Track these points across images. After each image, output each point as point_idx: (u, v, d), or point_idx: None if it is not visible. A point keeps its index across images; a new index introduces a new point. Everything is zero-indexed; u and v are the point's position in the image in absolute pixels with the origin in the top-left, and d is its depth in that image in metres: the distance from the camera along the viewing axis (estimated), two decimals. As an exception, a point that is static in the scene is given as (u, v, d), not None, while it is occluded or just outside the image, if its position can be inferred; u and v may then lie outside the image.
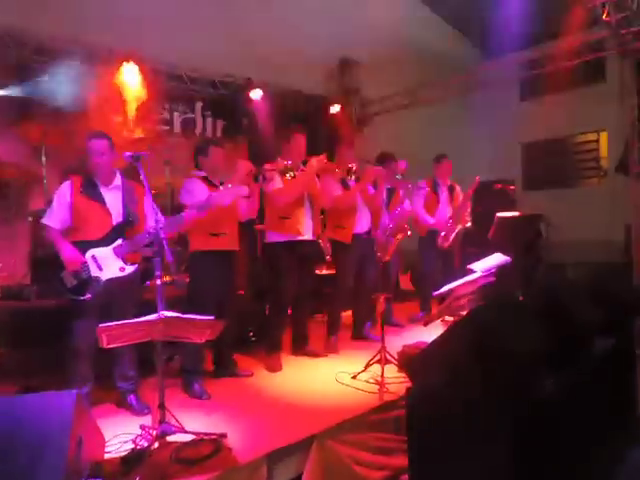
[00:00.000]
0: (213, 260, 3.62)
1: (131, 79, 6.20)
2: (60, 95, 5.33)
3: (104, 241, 3.08)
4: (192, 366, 3.64)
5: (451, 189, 5.69)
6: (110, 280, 3.07)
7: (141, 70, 6.18)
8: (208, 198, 3.24)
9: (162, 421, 2.57)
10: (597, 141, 9.45)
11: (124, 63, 6.07)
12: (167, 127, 7.00)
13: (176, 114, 7.15)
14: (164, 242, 2.62)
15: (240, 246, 4.10)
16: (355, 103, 8.72)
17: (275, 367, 4.09)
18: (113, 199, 3.18)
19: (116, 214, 3.15)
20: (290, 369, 4.14)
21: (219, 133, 7.63)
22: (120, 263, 3.07)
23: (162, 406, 2.59)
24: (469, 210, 5.56)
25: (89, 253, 3.05)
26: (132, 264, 3.13)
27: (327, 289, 5.40)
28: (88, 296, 2.99)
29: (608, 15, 5.58)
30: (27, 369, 3.72)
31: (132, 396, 3.31)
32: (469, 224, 5.56)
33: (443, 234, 5.45)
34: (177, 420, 2.66)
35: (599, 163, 9.37)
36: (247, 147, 7.71)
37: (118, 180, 3.23)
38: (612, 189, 7.94)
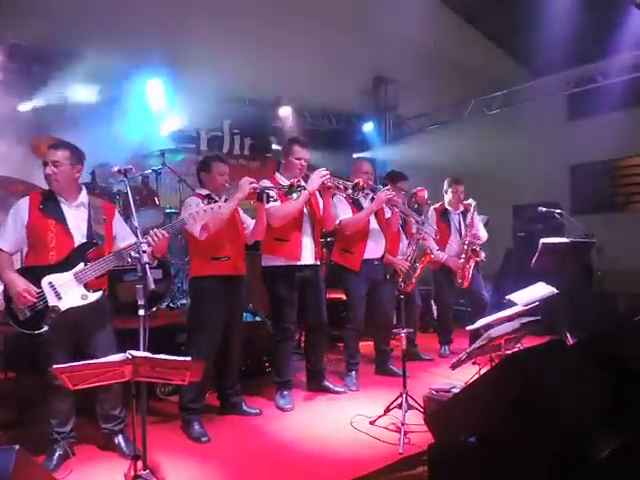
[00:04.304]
0: (214, 286, 3.28)
1: (156, 95, 6.09)
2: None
3: (63, 266, 2.69)
4: (191, 403, 3.29)
5: (464, 215, 5.12)
6: (71, 310, 2.67)
7: (167, 86, 6.05)
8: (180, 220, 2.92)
9: (136, 477, 2.18)
10: (652, 163, 8.82)
11: (149, 79, 5.95)
12: (193, 145, 6.80)
13: (203, 132, 6.96)
14: (147, 267, 2.27)
15: (260, 270, 3.76)
16: (390, 121, 8.36)
17: (285, 405, 3.70)
18: (76, 218, 2.80)
19: (79, 235, 2.76)
20: (303, 408, 3.74)
21: (247, 151, 7.40)
22: (82, 290, 2.69)
23: (137, 457, 2.21)
24: (479, 240, 5.00)
25: (45, 280, 2.64)
26: (96, 290, 2.75)
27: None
28: (44, 328, 2.61)
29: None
30: (22, 397, 3.46)
31: (119, 436, 2.96)
32: (483, 256, 5.00)
33: (460, 274, 4.92)
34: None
35: (654, 187, 8.70)
36: (276, 166, 7.47)
37: (84, 197, 2.88)
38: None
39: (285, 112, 7.17)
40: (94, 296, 2.72)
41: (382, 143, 8.13)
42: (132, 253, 2.40)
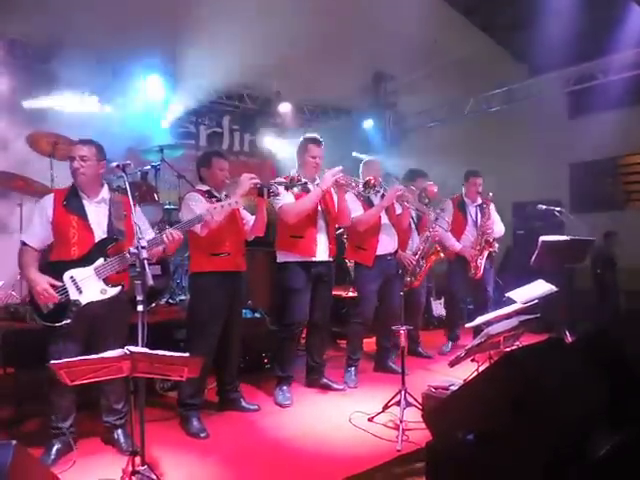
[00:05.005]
0: (214, 282, 3.28)
1: (155, 91, 6.08)
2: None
3: (84, 261, 2.73)
4: (190, 399, 3.29)
5: (482, 208, 5.16)
6: (91, 304, 2.72)
7: (166, 82, 6.05)
8: (191, 219, 2.94)
9: (134, 472, 2.18)
10: (652, 161, 8.81)
11: (148, 75, 5.94)
12: (192, 141, 6.80)
13: (202, 128, 6.96)
14: (145, 263, 2.27)
15: (259, 266, 3.75)
16: (390, 118, 8.35)
17: (284, 401, 3.70)
18: (97, 214, 2.85)
19: (100, 231, 2.81)
20: (301, 404, 3.74)
21: (247, 148, 7.39)
22: (102, 285, 2.73)
23: (135, 453, 2.21)
24: (491, 232, 5.05)
25: (67, 274, 2.69)
26: (115, 285, 2.77)
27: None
28: (66, 321, 2.66)
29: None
30: (20, 393, 3.46)
31: (119, 431, 2.97)
32: (496, 247, 5.06)
33: (473, 265, 4.97)
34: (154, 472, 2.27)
35: (654, 185, 8.70)
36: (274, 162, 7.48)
37: (105, 193, 2.92)
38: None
39: (285, 108, 7.16)
40: (113, 291, 2.76)
41: (381, 139, 8.13)
42: (131, 249, 2.40)
